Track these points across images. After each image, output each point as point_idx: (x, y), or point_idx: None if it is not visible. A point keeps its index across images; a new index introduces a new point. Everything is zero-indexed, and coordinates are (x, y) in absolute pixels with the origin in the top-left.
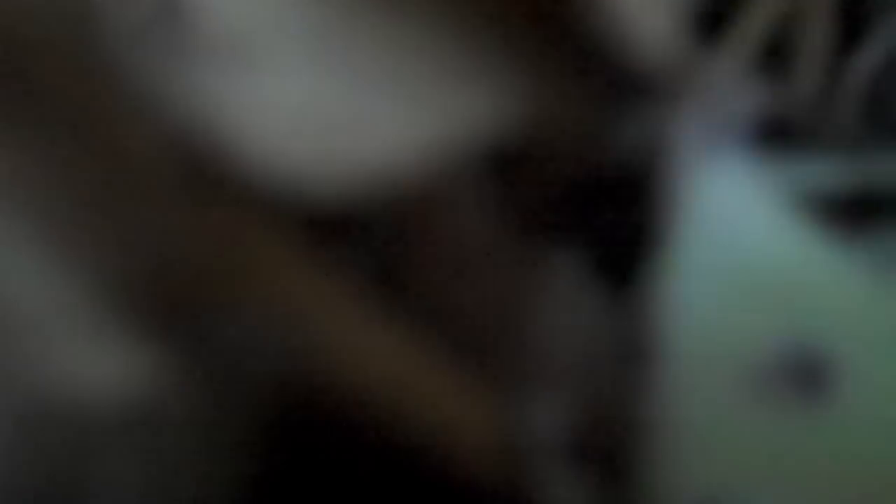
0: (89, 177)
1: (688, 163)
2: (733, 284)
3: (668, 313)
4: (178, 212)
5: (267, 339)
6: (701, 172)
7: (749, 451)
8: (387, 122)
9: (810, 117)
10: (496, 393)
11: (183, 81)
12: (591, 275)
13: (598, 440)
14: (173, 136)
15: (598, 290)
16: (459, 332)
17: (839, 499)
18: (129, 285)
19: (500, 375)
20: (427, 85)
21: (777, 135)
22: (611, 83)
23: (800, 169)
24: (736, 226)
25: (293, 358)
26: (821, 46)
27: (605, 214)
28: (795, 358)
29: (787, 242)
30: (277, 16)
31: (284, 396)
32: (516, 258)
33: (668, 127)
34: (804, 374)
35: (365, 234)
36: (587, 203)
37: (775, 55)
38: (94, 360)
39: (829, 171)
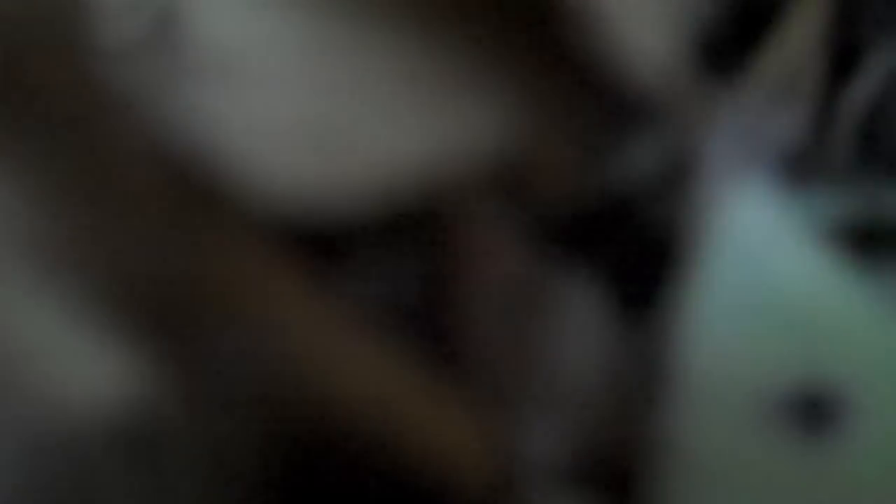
0: (82, 192)
1: (710, 190)
2: (751, 314)
3: (685, 340)
4: (170, 228)
5: (258, 355)
6: (724, 200)
7: (758, 482)
8: (381, 140)
9: (807, 148)
10: (496, 415)
11: (177, 98)
12: (606, 298)
13: (606, 465)
14: (166, 152)
15: (614, 313)
16: (461, 352)
17: None
18: (122, 301)
19: (502, 397)
20: (423, 104)
21: (788, 165)
22: (610, 105)
23: (815, 199)
24: (757, 255)
25: (284, 375)
26: (815, 77)
27: (622, 237)
28: (809, 390)
29: (806, 274)
30: (271, 33)
31: (276, 414)
32: (525, 279)
33: (687, 151)
34: (817, 407)
35: (363, 251)
36: (602, 225)
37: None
38: (88, 377)
39: (833, 202)
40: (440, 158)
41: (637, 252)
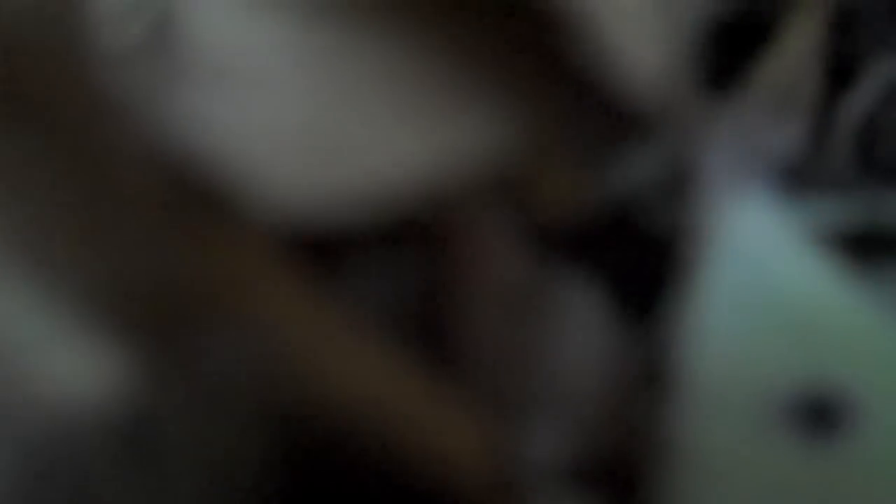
0: (80, 195)
1: (710, 198)
2: (754, 319)
3: (688, 344)
4: (167, 230)
5: (256, 357)
6: (724, 208)
7: (761, 485)
8: (380, 146)
9: (805, 158)
10: (496, 417)
11: (174, 102)
12: (607, 302)
13: (607, 467)
14: (164, 155)
15: (615, 317)
16: (461, 355)
17: None
18: (119, 301)
19: (502, 400)
20: (423, 110)
21: (787, 175)
22: (609, 114)
23: (816, 207)
24: (758, 261)
25: (283, 377)
26: (813, 88)
27: (622, 243)
28: (812, 394)
29: (807, 279)
30: (269, 37)
31: (275, 416)
32: (525, 283)
33: (687, 160)
34: (820, 411)
35: (363, 255)
36: (602, 231)
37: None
38: (84, 376)
39: (831, 210)
40: (439, 164)
41: (637, 257)
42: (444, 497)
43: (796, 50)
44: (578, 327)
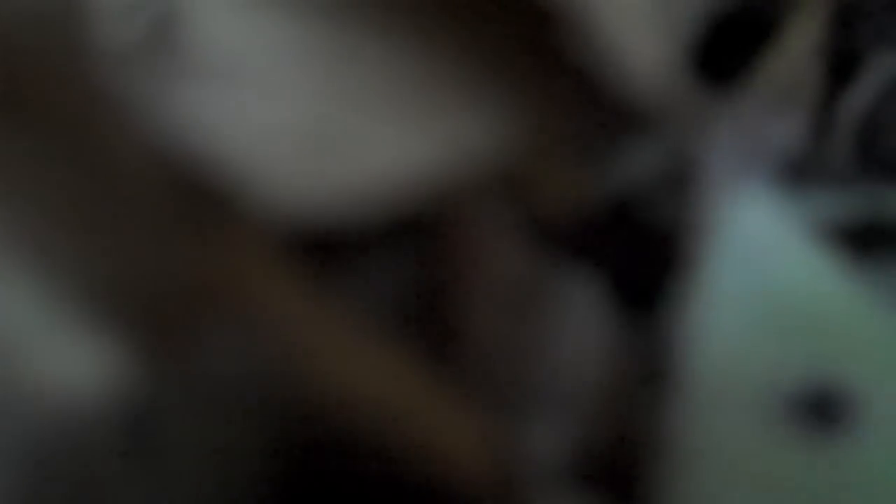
0: (81, 194)
1: (714, 192)
2: (755, 314)
3: (690, 340)
4: (169, 229)
5: (258, 355)
6: (728, 202)
7: (764, 481)
8: (381, 144)
9: (806, 153)
10: (497, 415)
11: (176, 101)
12: (607, 299)
13: (608, 464)
14: (164, 154)
15: (615, 314)
16: (462, 353)
17: None
18: (121, 299)
19: (503, 398)
20: (423, 108)
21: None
22: (609, 110)
23: (817, 201)
24: (761, 256)
25: (284, 375)
26: (814, 84)
27: (622, 239)
28: (816, 390)
29: (809, 274)
30: (271, 37)
31: (276, 414)
32: (525, 281)
33: (689, 157)
34: (823, 406)
35: (364, 254)
36: (602, 227)
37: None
38: (85, 372)
39: (832, 204)
40: (440, 162)
41: (638, 253)
42: (444, 494)
43: (797, 45)
44: (579, 324)
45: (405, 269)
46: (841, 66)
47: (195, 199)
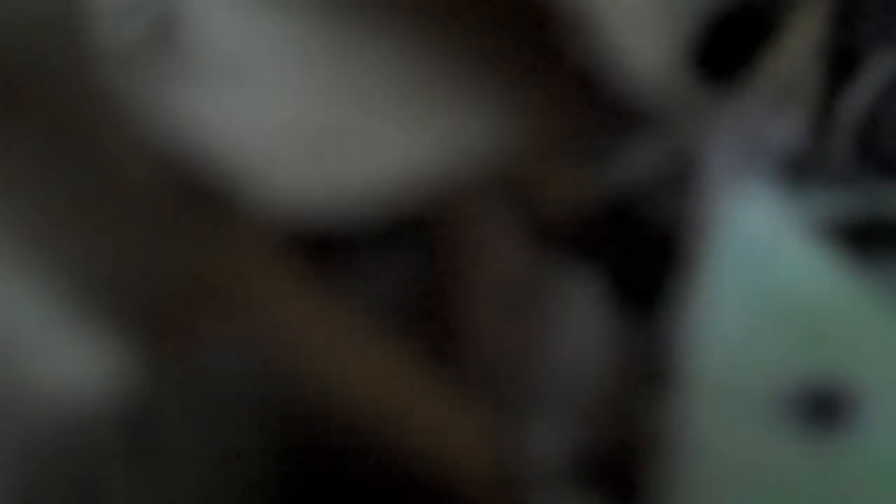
0: (79, 193)
1: (715, 190)
2: (757, 313)
3: (691, 338)
4: (169, 228)
5: (258, 354)
6: (729, 200)
7: (765, 479)
8: (381, 144)
9: (806, 151)
10: (498, 414)
11: (176, 101)
12: (608, 297)
13: (610, 463)
14: (164, 154)
15: (617, 312)
16: (462, 352)
17: None
18: (121, 298)
19: (504, 396)
20: (423, 107)
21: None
22: (609, 108)
23: (817, 200)
24: (762, 255)
25: (285, 375)
26: (814, 81)
27: (623, 237)
28: (817, 388)
29: (810, 271)
30: (271, 36)
31: (277, 414)
32: (526, 279)
33: (690, 155)
34: (824, 404)
35: (365, 253)
36: (603, 225)
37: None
38: (85, 372)
39: (833, 202)
40: (441, 161)
41: (639, 252)
42: (445, 494)
43: (798, 44)
44: (580, 322)
45: (405, 268)
46: (841, 64)
47: (195, 198)
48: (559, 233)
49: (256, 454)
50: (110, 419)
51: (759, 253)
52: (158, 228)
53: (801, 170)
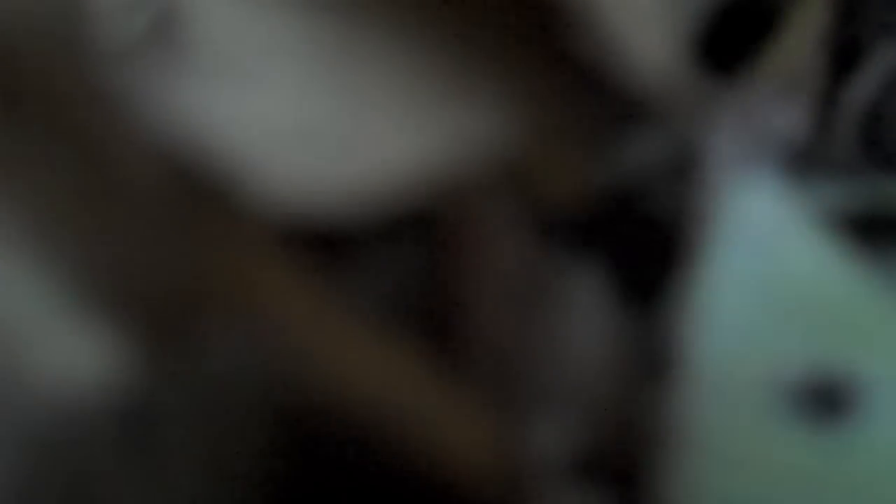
0: (80, 191)
1: (719, 181)
2: (760, 304)
3: (694, 331)
4: (171, 226)
5: (260, 352)
6: (733, 191)
7: (769, 471)
8: (383, 140)
9: (809, 143)
10: (502, 411)
11: (176, 99)
12: (612, 291)
13: (614, 458)
14: (165, 150)
15: (620, 306)
16: (466, 349)
17: None
18: (123, 295)
19: (508, 393)
20: (425, 104)
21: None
22: (612, 101)
23: (821, 190)
24: (765, 245)
25: (287, 373)
26: (818, 73)
27: (626, 231)
28: (821, 378)
29: (814, 263)
30: (271, 33)
31: (278, 411)
32: (529, 275)
33: (693, 146)
34: (828, 395)
35: (367, 250)
36: (606, 219)
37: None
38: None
39: (836, 194)
40: (443, 158)
41: (642, 243)
42: (449, 491)
43: (801, 35)
44: (584, 316)
45: (407, 264)
46: (845, 56)
47: (196, 196)
48: (563, 226)
49: (256, 453)
50: (109, 412)
51: (763, 244)
52: (159, 225)
53: (804, 161)
